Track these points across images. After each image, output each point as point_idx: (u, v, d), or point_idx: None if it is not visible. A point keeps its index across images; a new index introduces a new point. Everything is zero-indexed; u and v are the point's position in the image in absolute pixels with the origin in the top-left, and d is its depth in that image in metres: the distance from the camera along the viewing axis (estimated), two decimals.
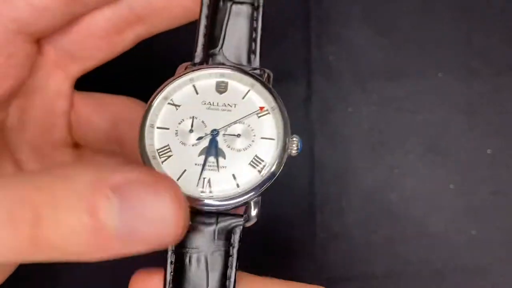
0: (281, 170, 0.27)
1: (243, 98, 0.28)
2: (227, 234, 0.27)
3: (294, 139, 0.28)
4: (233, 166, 0.27)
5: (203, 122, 0.28)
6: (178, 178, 0.27)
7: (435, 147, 0.43)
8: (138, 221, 0.22)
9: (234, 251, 0.27)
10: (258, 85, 0.28)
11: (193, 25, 0.30)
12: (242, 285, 0.27)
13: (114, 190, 0.22)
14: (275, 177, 0.27)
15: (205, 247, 0.27)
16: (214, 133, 0.28)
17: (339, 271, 0.42)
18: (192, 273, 0.27)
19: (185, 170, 0.27)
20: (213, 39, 0.29)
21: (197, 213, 0.27)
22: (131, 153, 0.33)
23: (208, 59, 0.29)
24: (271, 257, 0.41)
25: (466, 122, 0.43)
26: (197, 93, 0.28)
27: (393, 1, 0.44)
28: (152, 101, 0.28)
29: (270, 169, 0.27)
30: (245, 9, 0.29)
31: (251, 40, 0.29)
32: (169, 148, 0.27)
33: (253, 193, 0.27)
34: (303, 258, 0.42)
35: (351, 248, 0.42)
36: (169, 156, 0.27)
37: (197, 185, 0.27)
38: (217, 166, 0.27)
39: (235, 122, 0.28)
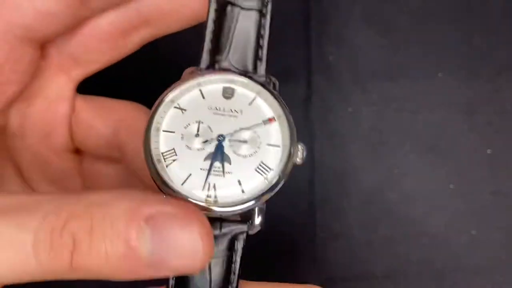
0: (286, 178, 0.27)
1: (249, 104, 0.28)
2: (231, 240, 0.27)
3: (300, 147, 0.28)
4: (238, 172, 0.27)
5: (209, 127, 0.27)
6: (183, 183, 0.27)
7: (435, 147, 0.43)
8: (168, 251, 0.24)
9: (237, 258, 0.27)
10: (264, 92, 0.28)
11: (199, 28, 0.30)
12: None
13: (147, 221, 0.24)
14: (280, 185, 0.27)
15: None
16: (221, 138, 0.27)
17: (339, 271, 0.42)
18: (195, 279, 0.27)
19: (190, 175, 0.27)
20: (219, 45, 0.29)
21: None
22: (132, 160, 0.33)
23: (214, 64, 0.29)
24: (271, 257, 0.41)
25: (466, 122, 0.43)
26: (203, 97, 0.28)
27: (393, 1, 0.44)
28: (158, 104, 0.28)
29: (276, 176, 0.27)
30: (253, 16, 0.29)
31: (258, 46, 0.29)
32: (174, 151, 0.27)
33: (258, 199, 0.27)
34: (303, 258, 0.42)
35: (351, 248, 0.42)
36: (174, 160, 0.27)
37: (202, 190, 0.27)
38: (223, 171, 0.27)
39: (242, 129, 0.28)
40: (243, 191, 0.27)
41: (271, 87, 0.29)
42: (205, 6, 0.29)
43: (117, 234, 0.23)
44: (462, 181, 0.43)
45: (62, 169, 0.35)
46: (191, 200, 0.26)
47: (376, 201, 0.43)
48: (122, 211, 0.24)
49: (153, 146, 0.27)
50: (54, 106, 0.33)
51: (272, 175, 0.27)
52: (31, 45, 0.30)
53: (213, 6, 0.29)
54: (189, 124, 0.28)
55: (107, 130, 0.34)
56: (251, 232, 0.28)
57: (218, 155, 0.27)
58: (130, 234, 0.23)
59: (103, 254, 0.23)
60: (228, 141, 0.27)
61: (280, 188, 0.27)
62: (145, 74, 0.40)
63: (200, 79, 0.28)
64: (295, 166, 0.28)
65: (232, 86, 0.28)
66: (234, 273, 0.27)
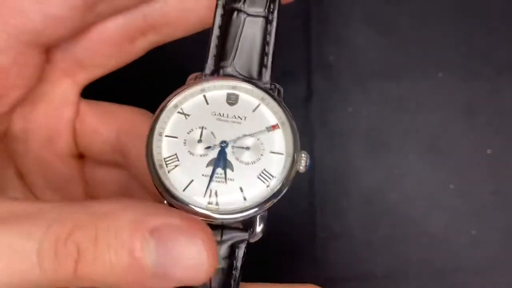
0: (289, 186, 0.27)
1: (253, 111, 0.28)
2: (231, 248, 0.27)
3: (303, 155, 0.27)
4: (241, 179, 0.27)
5: (212, 133, 0.27)
6: (185, 189, 0.27)
7: (435, 147, 0.43)
8: (173, 263, 0.24)
9: (238, 265, 0.27)
10: (268, 99, 0.28)
11: (204, 34, 0.30)
12: None
13: (151, 233, 0.24)
14: (283, 193, 0.27)
15: None
16: (223, 144, 0.27)
17: (339, 271, 0.42)
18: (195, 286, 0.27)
19: (192, 181, 0.27)
20: (225, 51, 0.29)
21: None
22: (135, 166, 0.33)
23: (219, 71, 0.29)
24: (271, 257, 0.41)
25: (466, 122, 0.43)
26: (207, 103, 0.28)
27: (393, 1, 0.44)
28: (162, 109, 0.28)
29: (278, 184, 0.27)
30: (259, 22, 0.29)
31: (263, 53, 0.29)
32: (176, 157, 0.27)
33: (260, 207, 0.26)
34: (303, 258, 0.42)
35: (351, 248, 0.42)
36: (176, 166, 0.27)
37: (204, 197, 0.26)
38: (225, 178, 0.27)
39: (246, 136, 0.27)
40: (245, 199, 0.27)
41: (275, 94, 0.28)
42: (211, 12, 0.29)
43: (121, 245, 0.23)
44: (462, 181, 0.43)
45: (65, 174, 0.34)
46: (192, 206, 0.26)
47: (376, 201, 0.43)
48: (126, 222, 0.24)
49: (155, 151, 0.27)
50: (59, 110, 0.33)
51: (274, 183, 0.27)
52: (37, 50, 0.30)
53: (219, 12, 0.29)
54: (192, 129, 0.27)
55: (111, 135, 0.34)
56: (252, 240, 0.27)
57: (221, 161, 0.27)
58: (134, 244, 0.23)
59: (107, 264, 0.23)
60: (231, 147, 0.27)
61: (282, 195, 0.27)
62: (149, 79, 0.40)
63: (204, 85, 0.28)
64: (298, 173, 0.27)
65: (236, 92, 0.28)
66: (234, 280, 0.27)
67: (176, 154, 0.27)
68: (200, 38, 0.31)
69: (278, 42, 0.29)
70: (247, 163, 0.27)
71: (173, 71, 0.34)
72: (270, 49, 0.29)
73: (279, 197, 0.27)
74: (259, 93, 0.28)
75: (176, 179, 0.27)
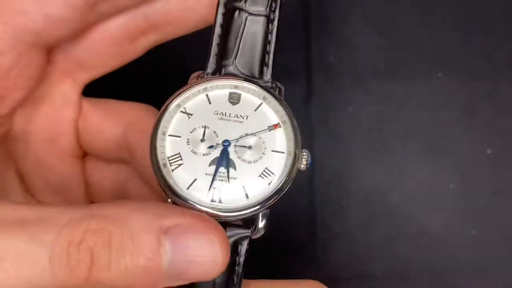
0: (291, 184, 0.27)
1: (255, 110, 0.28)
2: (234, 244, 0.28)
3: (304, 153, 0.28)
4: (243, 178, 0.27)
5: (214, 132, 0.28)
6: (188, 187, 0.27)
7: (435, 147, 0.43)
8: (188, 262, 0.24)
9: (241, 261, 0.28)
10: (270, 98, 0.28)
11: (205, 32, 0.30)
12: None
13: (166, 234, 0.24)
14: (284, 191, 0.27)
15: None
16: (226, 143, 0.27)
17: (339, 271, 0.42)
18: (199, 282, 0.27)
19: (195, 179, 0.27)
20: (226, 50, 0.29)
21: None
22: (142, 162, 0.33)
23: (221, 69, 0.29)
24: (271, 256, 0.41)
25: (466, 122, 0.43)
26: (210, 103, 0.28)
27: (393, 1, 0.44)
28: (165, 109, 0.28)
29: (280, 182, 0.27)
30: (260, 21, 0.29)
31: (265, 52, 0.29)
32: (180, 156, 0.27)
33: (262, 205, 0.27)
34: (303, 258, 0.42)
35: (351, 248, 0.42)
36: (180, 165, 0.27)
37: (207, 195, 0.27)
38: (228, 177, 0.27)
39: (248, 135, 0.28)
40: (247, 197, 0.27)
41: (276, 93, 0.29)
42: (212, 11, 0.29)
43: (136, 248, 0.23)
44: (462, 181, 0.43)
45: (65, 176, 0.34)
46: (195, 205, 0.27)
47: (376, 201, 0.43)
48: (140, 225, 0.24)
49: (159, 150, 0.27)
50: (59, 110, 0.33)
51: (276, 181, 0.27)
52: (38, 51, 0.30)
53: (221, 10, 0.29)
54: (195, 129, 0.28)
55: (116, 132, 0.34)
56: (254, 237, 0.28)
57: (223, 160, 0.27)
58: (151, 247, 0.24)
59: (122, 268, 0.23)
60: (234, 146, 0.27)
61: (284, 193, 0.27)
62: (150, 77, 0.40)
63: (207, 84, 0.28)
64: (299, 171, 0.28)
65: (238, 91, 0.28)
66: (237, 276, 0.27)
67: (179, 153, 0.27)
68: (201, 36, 0.31)
69: (279, 41, 0.29)
70: (249, 162, 0.27)
71: (174, 69, 0.34)
72: (272, 47, 0.29)
73: (280, 195, 0.27)
74: (261, 92, 0.28)
75: (180, 178, 0.27)
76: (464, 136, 0.43)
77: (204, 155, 0.27)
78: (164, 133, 0.28)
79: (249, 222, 0.28)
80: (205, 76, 0.29)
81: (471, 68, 0.43)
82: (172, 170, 0.27)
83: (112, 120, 0.34)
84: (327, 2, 0.44)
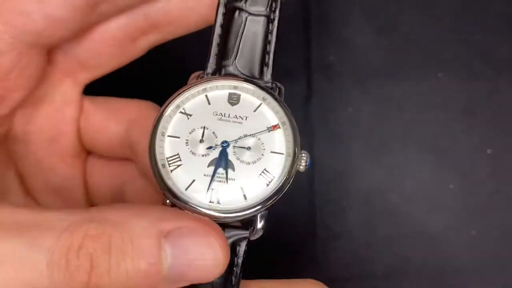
0: (290, 185, 0.27)
1: (254, 111, 0.28)
2: (233, 245, 0.27)
3: (303, 154, 0.28)
4: (241, 179, 0.27)
5: (213, 133, 0.28)
6: (187, 188, 0.27)
7: (435, 147, 0.43)
8: (189, 265, 0.24)
9: (239, 262, 0.27)
10: (270, 98, 0.28)
11: (205, 32, 0.30)
12: None
13: (167, 238, 0.24)
14: (283, 192, 0.27)
15: None
16: (225, 144, 0.27)
17: (339, 271, 0.42)
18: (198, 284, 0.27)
19: (194, 180, 0.27)
20: (226, 50, 0.29)
21: None
22: (144, 160, 0.33)
23: (221, 70, 0.29)
24: (271, 256, 0.41)
25: (466, 122, 0.43)
26: (209, 103, 0.28)
27: (393, 1, 0.44)
28: (164, 109, 0.28)
29: (278, 183, 0.27)
30: (260, 22, 0.29)
31: (265, 52, 0.29)
32: (178, 157, 0.27)
33: (260, 206, 0.27)
34: (303, 258, 0.42)
35: (351, 248, 0.42)
36: (179, 166, 0.27)
37: (205, 196, 0.27)
38: (226, 178, 0.27)
39: (247, 136, 0.28)
40: (245, 198, 0.27)
41: (276, 93, 0.29)
42: (212, 10, 0.29)
43: (137, 252, 0.23)
44: (462, 181, 0.43)
45: (65, 176, 0.34)
46: (194, 206, 0.27)
47: (376, 201, 0.43)
48: (140, 229, 0.24)
49: (158, 151, 0.27)
50: (60, 110, 0.33)
51: (275, 183, 0.27)
52: (38, 51, 0.30)
53: (221, 10, 0.29)
54: (194, 129, 0.28)
55: (118, 130, 0.34)
56: (252, 238, 0.28)
57: (222, 161, 0.27)
58: (151, 251, 0.24)
59: (123, 272, 0.23)
60: (232, 147, 0.27)
61: (283, 195, 0.27)
62: (152, 78, 0.40)
63: (206, 85, 0.28)
64: (298, 172, 0.28)
65: (238, 92, 0.28)
66: (235, 276, 0.27)
67: (178, 154, 0.27)
68: (201, 36, 0.31)
69: (280, 41, 0.29)
70: (248, 163, 0.27)
71: (174, 69, 0.34)
72: (272, 48, 0.29)
73: (279, 196, 0.27)
74: (260, 93, 0.28)
75: (178, 179, 0.27)
76: (464, 136, 0.43)
77: (203, 156, 0.27)
78: (163, 134, 0.28)
79: (247, 223, 0.28)
80: (205, 76, 0.29)
81: (471, 68, 0.43)
82: (171, 171, 0.27)
83: (114, 118, 0.34)
84: (327, 2, 0.44)
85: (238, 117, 0.28)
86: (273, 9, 0.29)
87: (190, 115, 0.28)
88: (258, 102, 0.28)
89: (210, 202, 0.27)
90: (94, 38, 0.32)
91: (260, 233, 0.28)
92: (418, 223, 0.42)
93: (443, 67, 0.43)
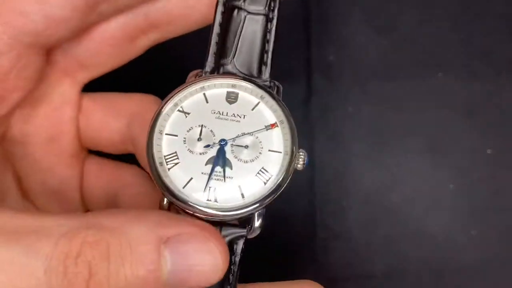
0: (287, 184, 0.27)
1: (252, 109, 0.28)
2: (230, 243, 0.28)
3: (301, 153, 0.28)
4: (239, 177, 0.27)
5: (211, 131, 0.28)
6: (184, 186, 0.27)
7: (435, 147, 0.43)
8: (189, 270, 0.24)
9: (236, 260, 0.28)
10: (268, 97, 0.28)
11: (205, 31, 0.30)
12: None
13: (166, 244, 0.24)
14: (280, 190, 0.27)
15: None
16: (222, 143, 0.27)
17: (339, 271, 0.42)
18: None
19: (191, 178, 0.27)
20: (225, 48, 0.29)
21: None
22: (144, 154, 0.33)
23: (219, 68, 0.29)
24: (271, 257, 0.41)
25: (466, 122, 0.43)
26: (207, 102, 0.28)
27: (393, 1, 0.44)
28: (162, 107, 0.28)
29: (276, 182, 0.27)
30: (259, 20, 0.29)
31: (263, 51, 0.29)
32: (176, 155, 0.27)
33: (257, 205, 0.27)
34: (303, 258, 0.42)
35: (351, 248, 0.42)
36: (176, 164, 0.27)
37: (203, 194, 0.27)
38: (224, 176, 0.27)
39: (244, 134, 0.28)
40: (243, 196, 0.27)
41: (274, 92, 0.29)
42: (212, 9, 0.30)
43: (136, 259, 0.23)
44: (462, 181, 0.43)
45: (64, 177, 0.34)
46: (191, 204, 0.27)
47: (376, 201, 0.43)
48: (139, 235, 0.24)
49: (155, 149, 0.27)
50: (59, 110, 0.33)
51: (272, 181, 0.27)
52: (38, 51, 0.30)
53: (220, 9, 0.29)
54: (192, 127, 0.28)
55: (120, 126, 0.34)
56: (250, 236, 0.28)
57: (220, 159, 0.27)
58: (150, 257, 0.23)
59: (122, 279, 0.23)
60: (230, 146, 0.28)
61: (280, 193, 0.27)
62: (150, 77, 0.40)
63: (204, 83, 0.28)
64: (296, 171, 0.28)
65: (236, 90, 0.28)
66: (233, 275, 0.27)
67: (176, 152, 0.27)
68: (200, 35, 0.31)
69: (278, 40, 0.29)
70: (245, 161, 0.27)
71: (172, 68, 0.34)
72: (270, 47, 0.29)
73: (277, 195, 0.27)
74: (258, 92, 0.28)
75: (176, 177, 0.27)
76: (464, 136, 0.43)
77: (200, 154, 0.27)
78: (161, 132, 0.28)
79: (245, 221, 0.28)
80: (203, 74, 0.29)
81: (471, 68, 0.43)
82: (169, 169, 0.27)
83: (114, 114, 0.34)
84: (327, 2, 0.44)
85: (236, 115, 0.28)
86: (271, 8, 0.29)
87: (188, 113, 0.28)
88: (256, 100, 0.28)
89: (208, 200, 0.27)
90: (94, 38, 0.32)
91: (258, 232, 0.28)
92: (418, 223, 0.42)
93: (443, 67, 0.43)
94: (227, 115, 0.28)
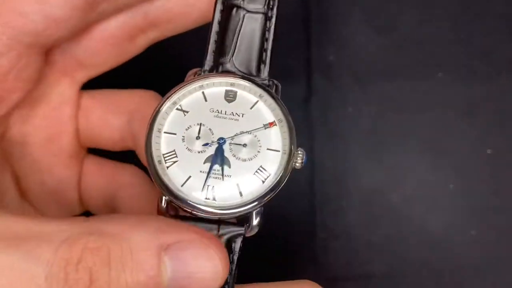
0: (285, 182, 0.27)
1: (251, 108, 0.28)
2: (228, 242, 0.28)
3: (299, 152, 0.28)
4: (237, 176, 0.27)
5: (210, 129, 0.28)
6: (183, 184, 0.27)
7: (435, 147, 0.43)
8: (189, 278, 0.24)
9: (234, 258, 0.27)
10: (266, 96, 0.28)
11: (204, 29, 0.30)
12: None
13: (167, 251, 0.24)
14: (279, 189, 0.27)
15: None
16: (221, 141, 0.28)
17: (339, 271, 0.42)
18: None
19: (190, 177, 0.27)
20: (224, 47, 0.29)
21: (199, 220, 0.27)
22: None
23: (218, 67, 0.29)
24: (271, 257, 0.41)
25: (466, 122, 0.43)
26: (206, 100, 0.28)
27: (393, 1, 0.44)
28: (160, 106, 0.28)
29: (274, 180, 0.27)
30: (258, 19, 0.29)
31: (262, 50, 0.29)
32: (175, 153, 0.27)
33: (255, 203, 0.27)
34: (303, 258, 0.42)
35: (351, 248, 0.42)
36: (175, 162, 0.27)
37: (201, 192, 0.27)
38: (222, 174, 0.27)
39: (243, 133, 0.28)
40: (241, 194, 0.27)
41: (273, 90, 0.29)
42: (211, 7, 0.29)
43: (137, 265, 0.23)
44: (462, 181, 0.43)
45: (62, 177, 0.34)
46: (190, 202, 0.27)
47: (376, 201, 0.43)
48: (140, 242, 0.24)
49: (154, 147, 0.27)
50: (58, 109, 0.33)
51: (270, 180, 0.27)
52: (37, 52, 0.30)
53: (219, 7, 0.29)
54: (190, 126, 0.28)
55: (120, 123, 0.34)
56: (248, 235, 0.28)
57: (218, 158, 0.27)
58: (151, 264, 0.23)
59: (123, 285, 0.23)
60: (229, 144, 0.28)
61: (278, 191, 0.27)
62: (149, 75, 0.40)
63: (203, 82, 0.28)
64: (295, 170, 0.28)
65: (235, 89, 0.28)
66: (230, 273, 0.27)
67: (174, 150, 0.27)
68: (199, 33, 0.31)
69: (277, 38, 0.29)
70: (244, 160, 0.28)
71: (171, 67, 0.34)
72: (269, 45, 0.29)
73: (275, 193, 0.27)
74: (257, 90, 0.28)
75: (174, 175, 0.27)
76: (464, 136, 0.43)
77: (199, 152, 0.27)
78: (159, 130, 0.28)
79: (243, 220, 0.28)
80: (202, 73, 0.29)
81: (471, 68, 0.43)
82: (167, 167, 0.27)
83: (114, 111, 0.34)
84: (327, 1, 0.44)
85: (234, 114, 0.28)
86: (270, 6, 0.30)
87: (187, 112, 0.28)
88: (254, 99, 0.28)
89: (206, 198, 0.27)
90: (93, 37, 0.32)
91: (256, 230, 0.28)
92: (418, 223, 0.42)
93: (443, 67, 0.43)
94: (225, 113, 0.28)
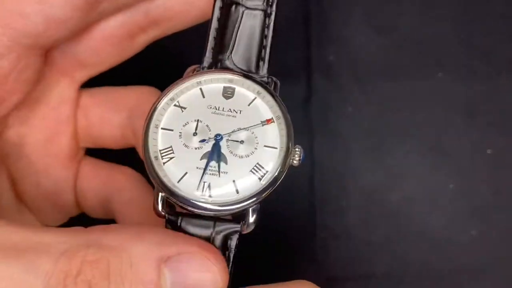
0: (282, 179, 0.27)
1: (249, 105, 0.28)
2: (224, 239, 0.27)
3: (297, 149, 0.28)
4: (234, 172, 0.27)
5: (207, 126, 0.28)
6: (179, 181, 0.27)
7: (435, 147, 0.43)
8: None
9: (231, 256, 0.27)
10: (264, 93, 0.28)
11: (204, 26, 0.30)
12: None
13: (166, 264, 0.24)
14: (275, 186, 0.27)
15: None
16: (218, 138, 0.27)
17: (339, 271, 0.42)
18: None
19: (186, 173, 0.27)
20: (223, 44, 0.29)
21: (195, 217, 0.27)
22: None
23: (217, 63, 0.29)
24: (271, 257, 0.41)
25: (466, 122, 0.43)
26: (203, 96, 0.28)
27: (393, 1, 0.44)
28: (158, 102, 0.28)
29: (271, 177, 0.27)
30: (257, 16, 0.29)
31: (261, 47, 0.29)
32: (171, 149, 0.27)
33: (252, 200, 0.27)
34: (303, 258, 0.42)
35: (351, 248, 0.42)
36: (171, 158, 0.27)
37: (197, 189, 0.27)
38: (218, 171, 0.27)
39: (240, 129, 0.28)
40: (237, 191, 0.27)
41: (272, 88, 0.29)
42: (211, 4, 0.29)
43: (136, 278, 0.23)
44: (462, 181, 0.43)
45: (59, 179, 0.34)
46: (186, 198, 0.27)
47: (376, 201, 0.43)
48: (139, 254, 0.24)
49: (151, 143, 0.27)
50: (57, 110, 0.33)
51: (267, 177, 0.27)
52: (37, 52, 0.30)
53: (218, 4, 0.29)
54: (187, 122, 0.28)
55: (120, 120, 0.34)
56: (244, 232, 0.28)
57: (215, 154, 0.27)
58: (150, 277, 0.23)
59: None
60: (226, 141, 0.28)
61: (277, 189, 0.27)
62: (148, 73, 0.40)
63: (201, 78, 0.28)
64: (293, 167, 0.28)
65: (233, 86, 0.28)
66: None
67: (171, 146, 0.27)
68: (198, 30, 0.31)
69: (276, 35, 0.29)
70: (241, 157, 0.27)
71: (170, 63, 0.34)
72: (268, 42, 0.29)
73: (271, 190, 0.27)
74: (255, 87, 0.28)
75: (171, 171, 0.27)
76: (464, 136, 0.43)
77: (196, 149, 0.27)
78: (156, 126, 0.28)
79: (239, 217, 0.28)
80: (201, 70, 0.29)
81: (471, 68, 0.43)
82: (164, 163, 0.27)
83: (114, 108, 0.34)
84: (327, 1, 0.44)
85: (232, 110, 0.28)
86: (270, 3, 0.29)
87: (184, 108, 0.28)
88: (252, 96, 0.28)
89: (202, 195, 0.27)
90: (93, 37, 0.32)
91: (252, 227, 0.28)
92: (418, 223, 0.42)
93: (443, 67, 0.43)
94: (223, 110, 0.28)
